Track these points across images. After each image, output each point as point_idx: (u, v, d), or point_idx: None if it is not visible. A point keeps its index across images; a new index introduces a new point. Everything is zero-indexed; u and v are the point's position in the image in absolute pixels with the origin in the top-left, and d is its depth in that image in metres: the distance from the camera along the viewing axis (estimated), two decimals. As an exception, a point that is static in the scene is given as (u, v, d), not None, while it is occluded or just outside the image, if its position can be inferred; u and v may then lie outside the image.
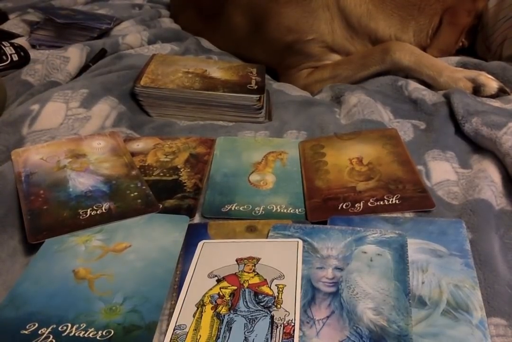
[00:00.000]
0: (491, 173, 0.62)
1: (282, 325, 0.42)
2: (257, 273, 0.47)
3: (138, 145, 0.70)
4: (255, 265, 0.48)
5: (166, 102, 0.80)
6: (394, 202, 0.57)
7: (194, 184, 0.63)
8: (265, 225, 0.55)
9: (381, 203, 0.57)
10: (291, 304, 0.44)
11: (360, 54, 0.95)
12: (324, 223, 0.55)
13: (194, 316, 0.43)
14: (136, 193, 0.59)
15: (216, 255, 0.50)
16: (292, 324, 0.42)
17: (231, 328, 0.42)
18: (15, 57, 0.89)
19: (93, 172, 0.63)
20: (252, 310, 0.44)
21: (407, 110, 0.79)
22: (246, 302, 0.44)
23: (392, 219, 0.55)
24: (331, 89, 0.89)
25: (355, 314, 0.43)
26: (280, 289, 0.45)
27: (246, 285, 0.46)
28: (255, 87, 0.82)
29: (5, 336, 0.43)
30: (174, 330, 0.42)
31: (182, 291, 0.46)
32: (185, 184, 0.63)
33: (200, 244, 0.52)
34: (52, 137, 0.69)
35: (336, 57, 0.99)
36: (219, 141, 0.72)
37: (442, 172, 0.64)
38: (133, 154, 0.67)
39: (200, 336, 0.42)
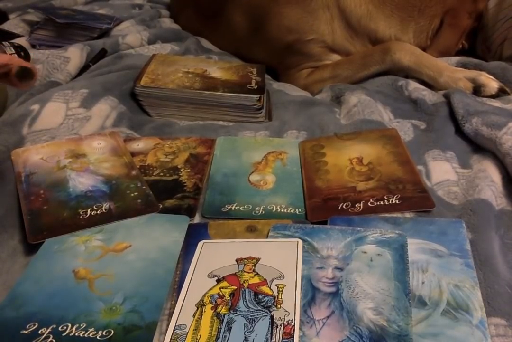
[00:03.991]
0: (491, 172, 0.62)
1: (282, 325, 0.42)
2: (257, 273, 0.47)
3: (138, 145, 0.70)
4: (255, 265, 0.48)
5: (166, 102, 0.80)
6: (394, 202, 0.57)
7: (194, 184, 0.63)
8: (265, 225, 0.55)
9: (381, 203, 0.57)
10: (291, 304, 0.44)
11: (360, 54, 0.95)
12: (324, 223, 0.55)
13: (194, 316, 0.43)
14: (136, 193, 0.59)
15: (216, 255, 0.50)
16: (292, 324, 0.42)
17: (231, 328, 0.42)
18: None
19: (93, 171, 0.63)
20: (252, 310, 0.44)
21: (407, 110, 0.79)
22: (246, 302, 0.44)
23: (392, 219, 0.55)
24: (331, 89, 0.89)
25: (355, 314, 0.43)
26: (280, 289, 0.45)
27: (246, 285, 0.46)
28: (255, 87, 0.82)
29: (5, 336, 0.42)
30: (174, 330, 0.42)
31: (182, 291, 0.46)
32: (185, 184, 0.63)
33: (200, 244, 0.52)
34: (52, 137, 0.69)
35: (336, 57, 0.99)
36: (219, 141, 0.72)
37: (442, 172, 0.64)
38: (133, 154, 0.67)
39: (200, 336, 0.42)
